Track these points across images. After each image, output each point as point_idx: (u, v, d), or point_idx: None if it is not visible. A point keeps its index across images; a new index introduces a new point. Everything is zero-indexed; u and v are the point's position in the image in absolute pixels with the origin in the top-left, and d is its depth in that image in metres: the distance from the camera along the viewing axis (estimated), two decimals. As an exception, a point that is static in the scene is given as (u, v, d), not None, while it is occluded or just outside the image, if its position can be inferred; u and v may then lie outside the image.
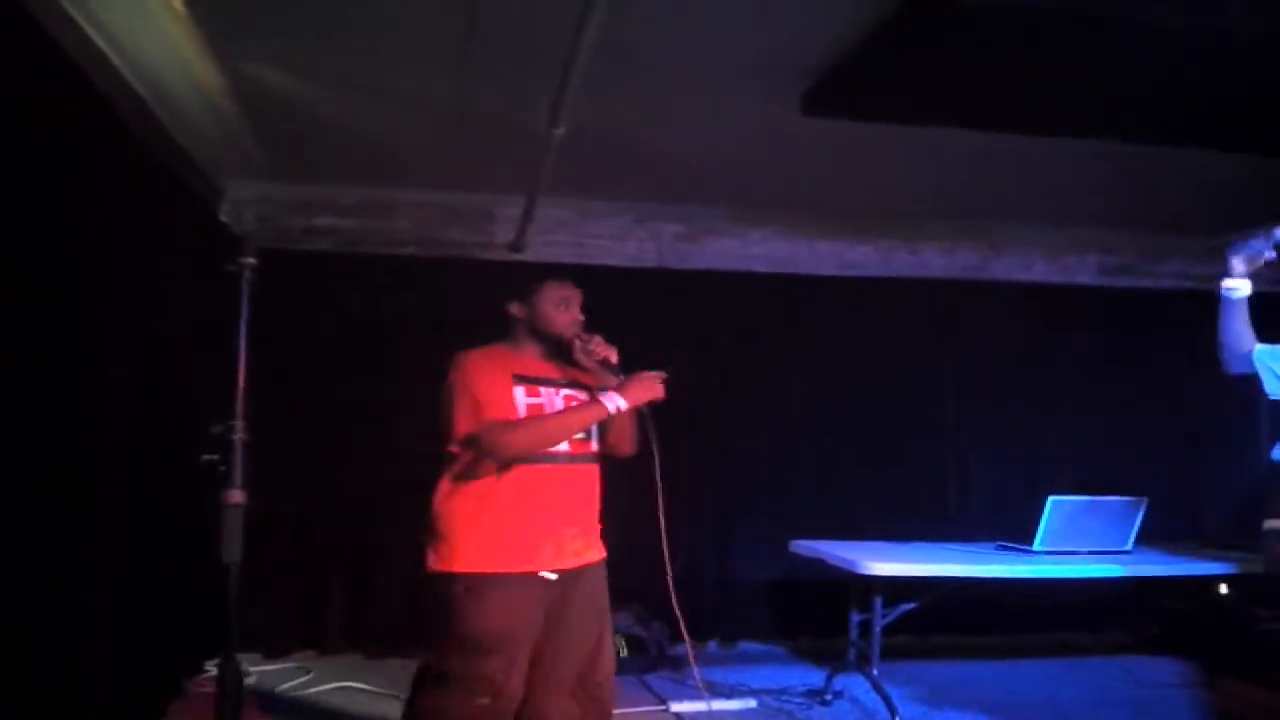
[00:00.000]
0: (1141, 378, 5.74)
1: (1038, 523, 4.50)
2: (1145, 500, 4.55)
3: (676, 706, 4.27)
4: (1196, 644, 4.88)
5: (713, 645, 5.37)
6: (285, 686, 4.40)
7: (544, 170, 3.90)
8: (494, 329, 2.88)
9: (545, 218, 4.93)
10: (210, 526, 2.98)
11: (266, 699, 4.21)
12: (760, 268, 5.56)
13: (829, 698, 4.37)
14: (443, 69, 3.53)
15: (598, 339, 2.81)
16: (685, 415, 5.37)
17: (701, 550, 5.36)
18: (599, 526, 2.87)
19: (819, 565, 4.46)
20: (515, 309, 2.85)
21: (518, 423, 2.66)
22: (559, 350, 2.87)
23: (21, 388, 2.58)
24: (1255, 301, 3.20)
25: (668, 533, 2.72)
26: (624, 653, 4.62)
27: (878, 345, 5.62)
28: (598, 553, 2.85)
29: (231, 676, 2.14)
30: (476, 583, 2.61)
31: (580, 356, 2.84)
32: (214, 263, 4.21)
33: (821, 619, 4.96)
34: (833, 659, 4.60)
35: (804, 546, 4.65)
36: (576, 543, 2.77)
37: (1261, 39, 3.01)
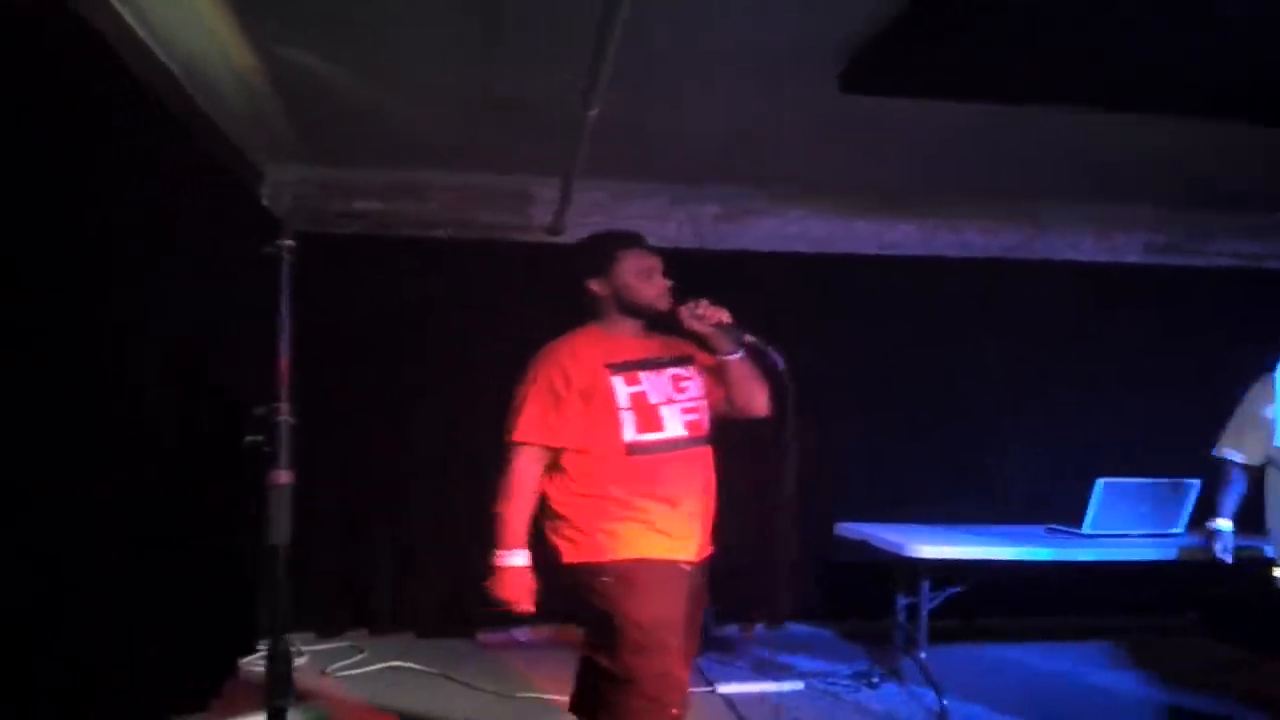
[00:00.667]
0: (1191, 357, 5.60)
1: (1086, 505, 4.43)
2: (1198, 482, 4.43)
3: (724, 688, 4.26)
4: (1245, 627, 4.79)
5: (759, 628, 5.34)
6: (337, 665, 4.45)
7: (580, 152, 3.87)
8: (560, 305, 2.76)
9: (582, 200, 4.90)
10: (258, 508, 3.01)
11: (321, 677, 4.27)
12: (800, 247, 5.50)
13: (876, 680, 4.34)
14: (476, 51, 3.49)
15: (704, 302, 2.62)
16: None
17: (748, 533, 5.30)
18: (713, 517, 2.72)
19: (864, 548, 4.43)
20: (596, 286, 2.68)
21: (510, 487, 2.60)
22: (655, 323, 2.71)
23: (61, 371, 2.59)
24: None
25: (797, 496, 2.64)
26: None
27: (920, 325, 5.54)
28: (709, 546, 2.70)
29: (281, 656, 2.13)
30: (624, 570, 2.50)
31: (693, 324, 2.64)
32: (256, 245, 4.26)
33: (868, 601, 4.91)
34: (879, 641, 4.57)
35: (849, 529, 4.61)
36: (704, 533, 2.65)
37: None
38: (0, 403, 2.27)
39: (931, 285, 5.58)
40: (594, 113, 3.40)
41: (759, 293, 5.39)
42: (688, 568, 2.58)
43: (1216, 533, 3.82)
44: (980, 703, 4.09)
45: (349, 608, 5.02)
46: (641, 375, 2.63)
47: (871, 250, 5.59)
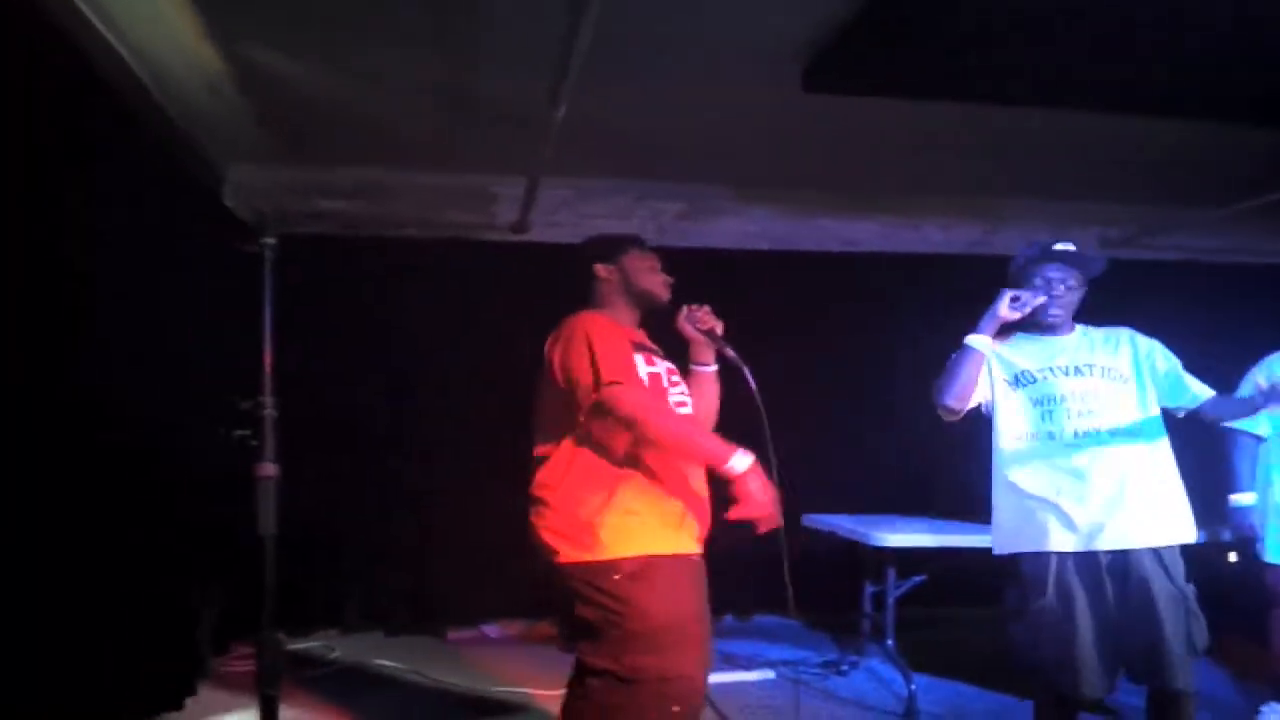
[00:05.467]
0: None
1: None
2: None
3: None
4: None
5: (729, 619, 5.41)
6: (307, 665, 4.46)
7: (545, 151, 3.89)
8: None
9: (546, 198, 4.91)
10: (225, 505, 3.00)
11: (297, 677, 4.25)
12: (762, 245, 5.54)
13: (845, 668, 4.40)
14: (442, 50, 3.50)
15: (706, 308, 2.70)
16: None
17: (714, 525, 5.34)
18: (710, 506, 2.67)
19: (831, 539, 4.48)
20: (604, 270, 2.71)
21: (665, 409, 2.49)
22: (648, 318, 2.76)
23: (36, 372, 2.58)
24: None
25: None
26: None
27: (881, 321, 5.63)
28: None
29: (271, 649, 2.14)
30: (637, 567, 2.39)
31: (684, 325, 2.72)
32: (219, 246, 4.24)
33: (836, 592, 4.93)
34: (848, 632, 4.63)
35: (816, 520, 4.67)
36: (705, 523, 2.62)
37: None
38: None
39: (893, 281, 5.65)
40: (560, 112, 3.43)
41: (722, 290, 5.44)
42: (697, 559, 2.55)
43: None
44: (948, 687, 4.16)
45: (319, 606, 5.01)
46: (655, 360, 2.66)
47: (834, 247, 5.64)
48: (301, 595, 4.92)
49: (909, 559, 4.31)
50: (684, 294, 5.19)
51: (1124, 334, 3.11)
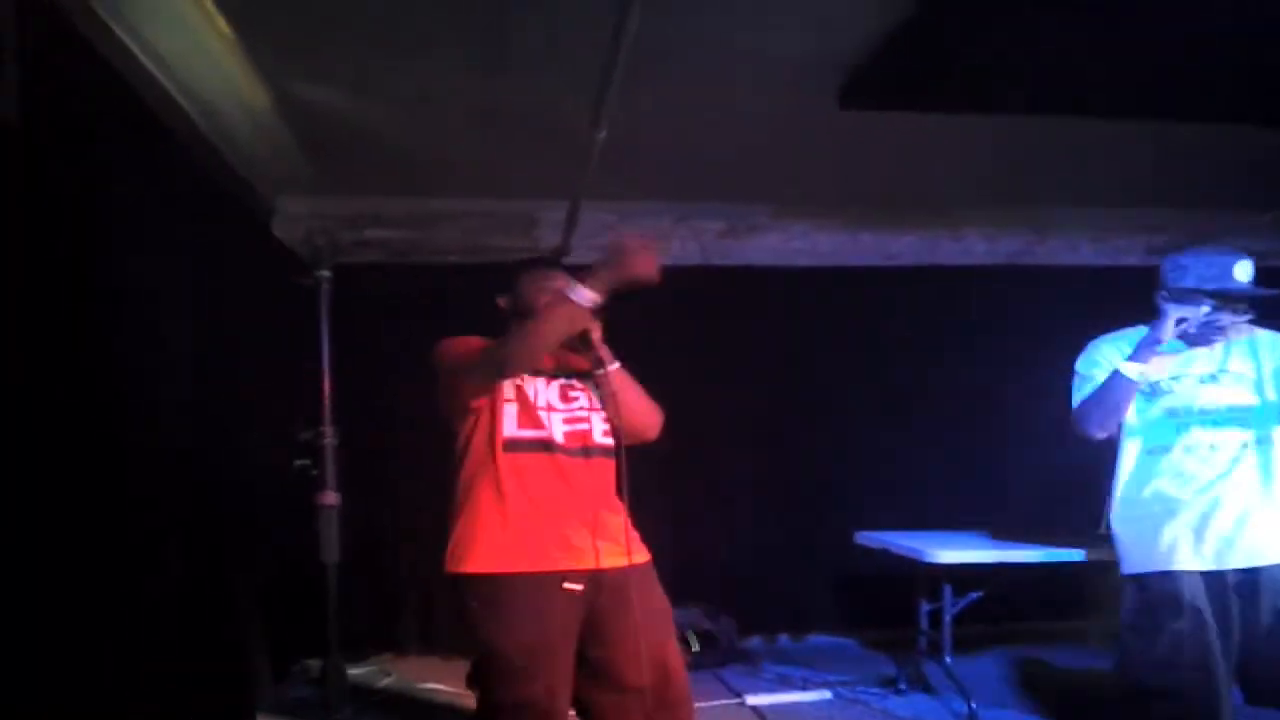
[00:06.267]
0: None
1: (1101, 505, 4.44)
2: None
3: (753, 699, 4.26)
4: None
5: (783, 639, 5.37)
6: (366, 689, 4.37)
7: (586, 174, 3.91)
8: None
9: (587, 220, 4.94)
10: (279, 531, 3.02)
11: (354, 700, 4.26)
12: (804, 261, 5.54)
13: (903, 687, 4.34)
14: (483, 77, 3.55)
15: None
16: (737, 410, 5.43)
17: (767, 545, 5.36)
18: (629, 528, 2.59)
19: (885, 556, 4.44)
20: (503, 301, 2.80)
21: (482, 348, 2.52)
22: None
23: (91, 402, 2.62)
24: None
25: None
26: (696, 648, 4.63)
27: (926, 334, 5.59)
28: (638, 555, 2.59)
29: (337, 677, 2.15)
30: (488, 590, 2.43)
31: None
32: (273, 278, 4.32)
33: (890, 610, 4.89)
34: (903, 650, 4.57)
35: (869, 538, 4.62)
36: (597, 543, 2.51)
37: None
38: (47, 437, 2.31)
39: (936, 294, 5.62)
40: (602, 134, 3.45)
41: (765, 307, 5.49)
42: (576, 585, 2.47)
43: None
44: (1009, 708, 4.10)
45: (375, 630, 5.02)
46: (526, 378, 2.61)
47: (875, 261, 5.62)
48: (356, 619, 4.95)
49: (970, 575, 4.25)
50: (727, 312, 5.26)
51: (1252, 334, 2.94)
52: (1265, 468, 2.76)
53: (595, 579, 2.49)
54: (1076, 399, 3.05)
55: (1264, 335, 2.92)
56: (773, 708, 4.17)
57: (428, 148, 4.25)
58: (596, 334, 2.59)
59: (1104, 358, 2.99)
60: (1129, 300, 5.64)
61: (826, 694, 4.32)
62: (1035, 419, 5.57)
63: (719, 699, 4.26)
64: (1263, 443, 2.78)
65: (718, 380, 5.29)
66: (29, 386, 2.23)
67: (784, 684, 4.49)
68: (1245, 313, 2.83)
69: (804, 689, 4.37)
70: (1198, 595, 2.67)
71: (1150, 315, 2.96)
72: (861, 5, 3.06)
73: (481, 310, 4.98)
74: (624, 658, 2.48)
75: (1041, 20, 3.07)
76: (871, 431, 5.51)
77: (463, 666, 4.58)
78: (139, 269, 3.04)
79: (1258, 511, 2.71)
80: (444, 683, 4.47)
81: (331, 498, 2.24)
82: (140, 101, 3.08)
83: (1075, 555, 4.21)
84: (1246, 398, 2.82)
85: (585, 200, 4.45)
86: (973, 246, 5.73)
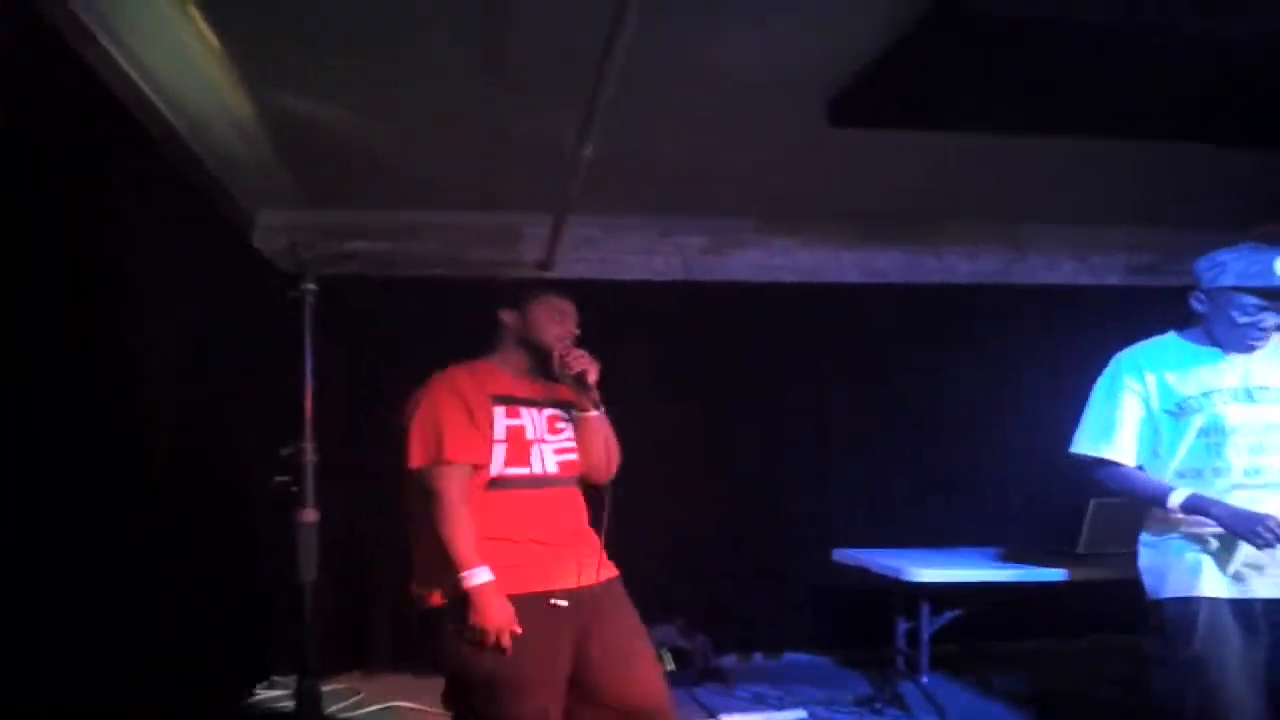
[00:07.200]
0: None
1: (1080, 525, 4.46)
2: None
3: (727, 718, 4.24)
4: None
5: (758, 657, 5.35)
6: (336, 708, 4.38)
7: (572, 189, 3.91)
8: (480, 342, 2.81)
9: (571, 235, 4.94)
10: (245, 547, 2.95)
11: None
12: (787, 278, 5.55)
13: (879, 706, 4.34)
14: (469, 92, 3.55)
15: (577, 352, 2.65)
16: (720, 427, 5.43)
17: (745, 563, 5.35)
18: (600, 549, 2.65)
19: (862, 575, 4.45)
20: (508, 316, 2.75)
21: (451, 510, 2.46)
22: (544, 366, 2.72)
23: (71, 413, 2.60)
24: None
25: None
26: (671, 666, 4.61)
27: (907, 351, 5.59)
28: (607, 570, 2.65)
29: (310, 696, 2.14)
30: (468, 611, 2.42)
31: (557, 368, 2.68)
32: (252, 289, 4.29)
33: (867, 629, 4.91)
34: (880, 669, 4.58)
35: (847, 556, 4.63)
36: (578, 562, 2.58)
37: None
38: (21, 441, 2.29)
39: (918, 311, 5.64)
40: (588, 151, 3.45)
41: (747, 323, 5.49)
42: (562, 600, 2.50)
43: None
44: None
45: (346, 648, 4.96)
46: (523, 411, 2.65)
47: (858, 278, 5.64)
48: (329, 635, 4.91)
49: (946, 594, 4.26)
50: (709, 328, 5.25)
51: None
52: None
53: (578, 596, 2.53)
54: (1093, 437, 2.87)
55: None
56: (748, 727, 4.16)
57: (411, 160, 4.25)
58: (593, 376, 2.63)
59: (1130, 381, 2.83)
60: (1110, 318, 5.74)
61: (802, 713, 4.31)
62: (1018, 438, 5.64)
63: (694, 718, 4.24)
64: None
65: (699, 395, 5.29)
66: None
67: (759, 703, 4.47)
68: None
69: (779, 708, 4.36)
70: (1219, 621, 2.56)
71: (1185, 322, 2.82)
72: (851, 27, 3.08)
73: (464, 323, 5.02)
74: (608, 677, 2.52)
75: (1028, 40, 3.09)
76: (854, 449, 5.52)
77: (435, 685, 4.59)
78: (122, 277, 3.02)
79: None
80: (415, 701, 4.42)
81: (311, 515, 2.22)
82: (124, 110, 3.06)
83: (1055, 575, 4.23)
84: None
85: (569, 214, 4.44)
86: (954, 264, 5.76)
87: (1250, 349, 2.70)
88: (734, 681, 4.85)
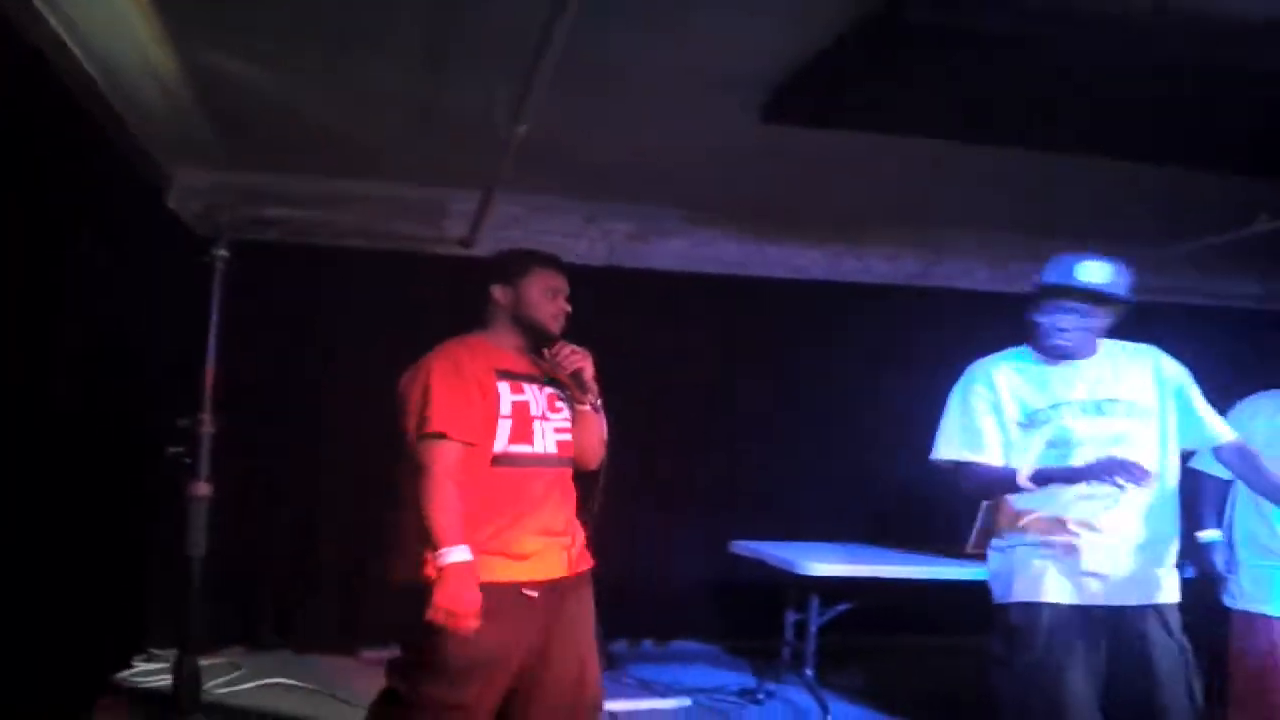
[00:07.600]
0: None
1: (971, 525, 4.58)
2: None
3: (610, 704, 4.23)
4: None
5: (647, 644, 5.40)
6: (213, 683, 4.11)
7: (504, 167, 3.90)
8: (468, 317, 2.74)
9: (497, 213, 4.90)
10: (136, 519, 2.82)
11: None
12: (710, 269, 5.60)
13: (761, 697, 4.43)
14: (404, 62, 3.50)
15: (568, 349, 2.64)
16: (629, 411, 5.44)
17: (639, 549, 5.33)
18: (583, 533, 2.70)
19: (759, 566, 4.52)
20: (499, 293, 2.67)
21: (437, 485, 2.41)
22: (536, 344, 2.70)
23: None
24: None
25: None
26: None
27: (823, 350, 5.68)
28: (585, 561, 2.67)
29: (190, 671, 2.13)
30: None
31: (554, 361, 2.67)
32: (164, 252, 4.19)
33: (760, 620, 4.99)
34: (769, 660, 4.66)
35: (744, 547, 4.71)
36: (565, 551, 2.59)
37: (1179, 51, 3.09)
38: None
39: (837, 310, 5.73)
40: (523, 129, 3.43)
41: (669, 312, 5.53)
42: (533, 591, 2.49)
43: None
44: (866, 717, 4.21)
45: (229, 622, 4.86)
46: (526, 387, 2.62)
47: (781, 274, 5.71)
48: (210, 611, 4.80)
49: (838, 588, 4.35)
50: (632, 313, 5.28)
51: (1149, 357, 2.83)
52: (1146, 506, 2.66)
53: (552, 586, 2.54)
54: (953, 442, 2.89)
55: (1164, 359, 2.83)
56: (629, 714, 4.19)
57: (340, 128, 4.15)
58: (589, 372, 2.64)
59: (983, 389, 2.86)
60: (1021, 325, 5.86)
61: (686, 701, 4.37)
62: (920, 436, 5.75)
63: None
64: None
65: (613, 380, 5.28)
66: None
67: (645, 690, 4.52)
68: (1091, 315, 2.72)
69: (664, 696, 4.41)
70: (1061, 627, 2.61)
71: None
72: (788, 25, 3.11)
73: (382, 299, 4.97)
74: (561, 678, 2.54)
75: (963, 45, 3.14)
76: (761, 441, 5.62)
77: (315, 662, 4.46)
78: (21, 228, 2.93)
79: (1134, 552, 2.64)
80: (295, 678, 4.36)
81: (203, 488, 2.20)
82: (40, 55, 2.96)
83: (947, 571, 4.35)
84: (1136, 430, 2.70)
85: (497, 192, 4.43)
86: (874, 265, 5.85)
87: (1068, 354, 2.75)
88: (623, 667, 4.89)
